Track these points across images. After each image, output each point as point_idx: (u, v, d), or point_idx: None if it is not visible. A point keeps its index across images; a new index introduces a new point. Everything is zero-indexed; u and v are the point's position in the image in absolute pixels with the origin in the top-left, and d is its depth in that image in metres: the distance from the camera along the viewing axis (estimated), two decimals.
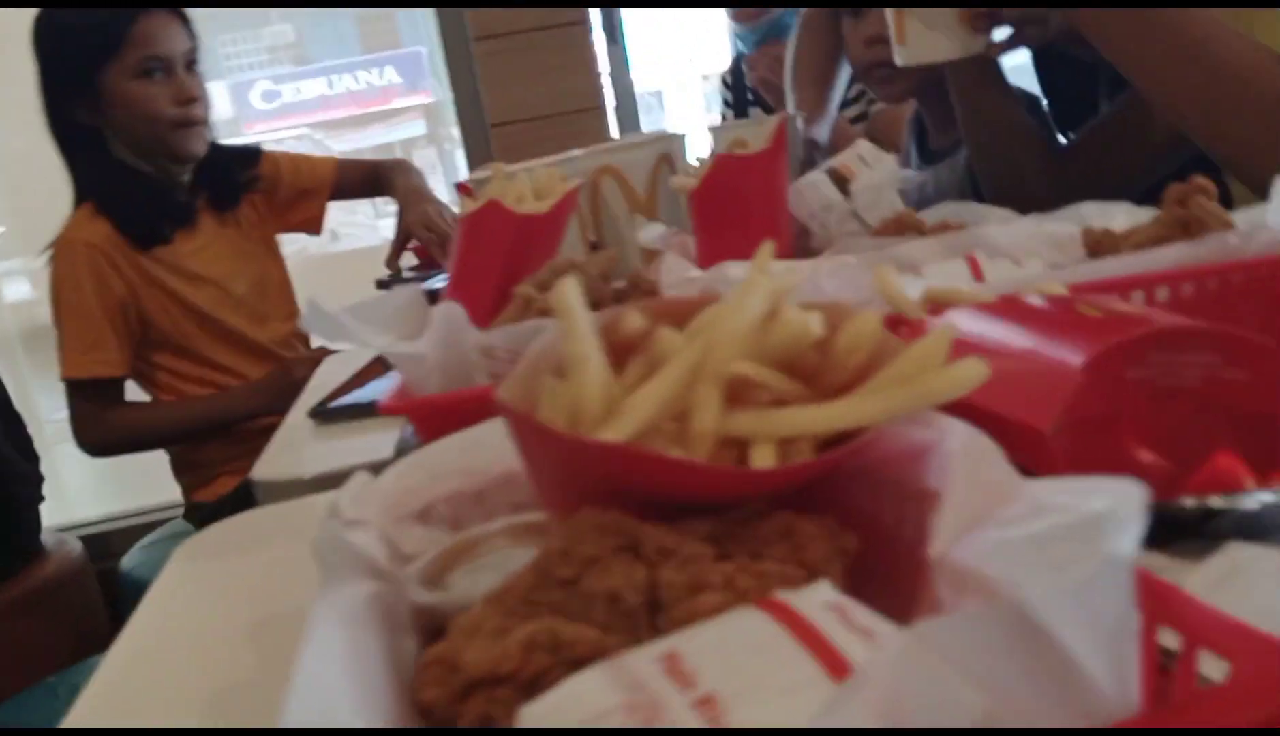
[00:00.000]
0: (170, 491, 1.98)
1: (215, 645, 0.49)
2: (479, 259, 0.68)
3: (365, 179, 1.89)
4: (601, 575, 0.33)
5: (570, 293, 0.34)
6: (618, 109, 2.30)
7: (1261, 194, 0.65)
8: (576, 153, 0.97)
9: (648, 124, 2.60)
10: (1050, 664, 0.23)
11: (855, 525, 0.36)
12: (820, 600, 0.28)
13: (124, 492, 2.77)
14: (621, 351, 0.39)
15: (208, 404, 1.64)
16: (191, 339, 1.66)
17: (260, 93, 6.76)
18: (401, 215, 1.70)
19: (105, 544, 2.28)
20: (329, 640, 0.30)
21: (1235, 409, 0.38)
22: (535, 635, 0.32)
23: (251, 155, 1.79)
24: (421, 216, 1.62)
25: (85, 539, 2.12)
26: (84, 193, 1.60)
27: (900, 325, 0.51)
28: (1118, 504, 0.22)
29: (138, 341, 1.63)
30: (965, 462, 0.34)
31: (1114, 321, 0.39)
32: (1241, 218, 0.58)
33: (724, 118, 1.99)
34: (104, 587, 2.00)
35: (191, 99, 1.59)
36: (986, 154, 1.07)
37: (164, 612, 0.55)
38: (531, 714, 0.26)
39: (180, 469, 1.74)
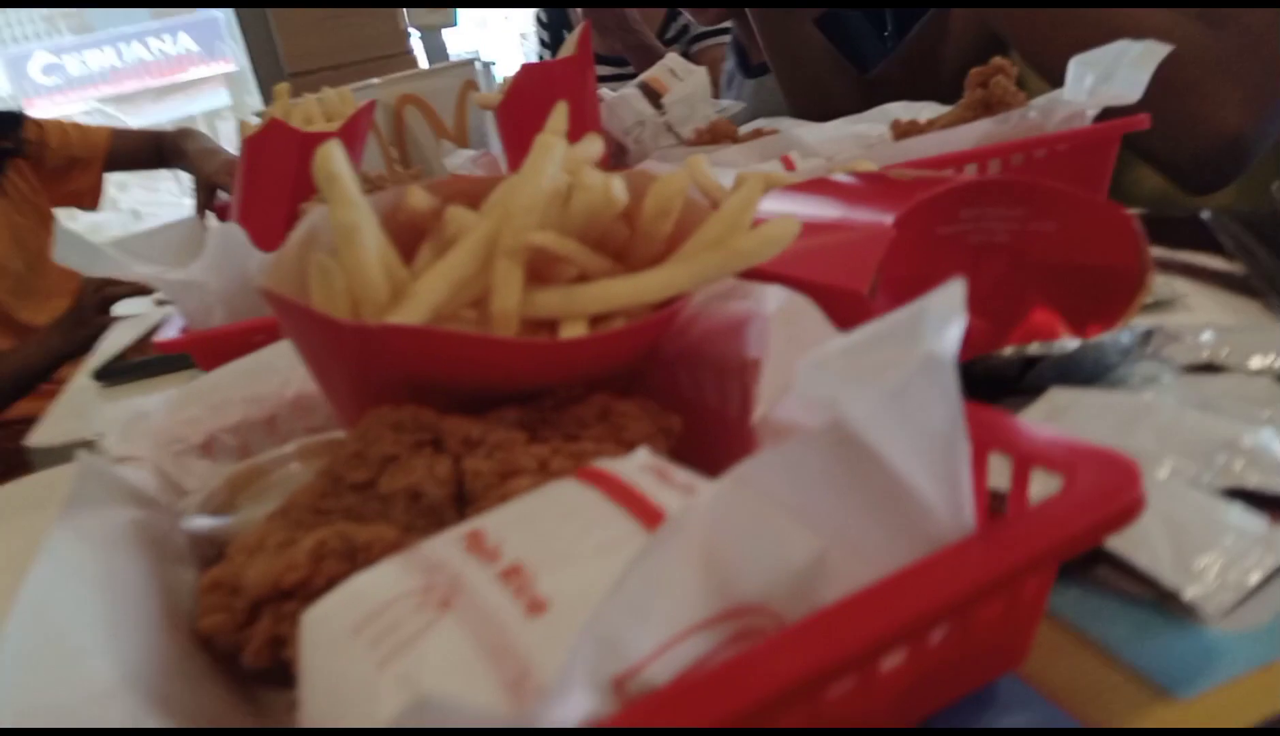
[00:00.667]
0: None
1: None
2: (265, 182, 0.62)
3: (146, 147, 1.73)
4: (400, 473, 0.30)
5: (333, 154, 0.30)
6: (430, 58, 2.22)
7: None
8: (374, 81, 0.91)
9: None
10: (878, 486, 0.21)
11: (680, 408, 0.34)
12: (637, 463, 0.26)
13: None
14: (410, 237, 0.35)
15: (4, 360, 1.46)
16: None
17: (40, 66, 6.21)
18: (199, 171, 1.57)
19: None
20: (67, 560, 0.26)
21: (1047, 262, 0.38)
22: (325, 541, 0.28)
23: (11, 120, 1.62)
24: (225, 164, 1.49)
25: None
26: None
27: None
28: (934, 302, 0.20)
29: None
30: (783, 324, 0.32)
31: (922, 183, 0.38)
32: (1041, 100, 0.59)
33: (541, 57, 1.94)
34: None
35: None
36: (793, 82, 1.07)
37: None
38: (313, 616, 0.23)
39: None
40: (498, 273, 0.32)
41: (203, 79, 6.53)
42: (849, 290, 0.36)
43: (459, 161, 0.77)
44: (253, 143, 0.63)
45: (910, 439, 0.20)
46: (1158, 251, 0.50)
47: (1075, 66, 0.56)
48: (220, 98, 6.29)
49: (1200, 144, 0.63)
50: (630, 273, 0.35)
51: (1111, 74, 0.54)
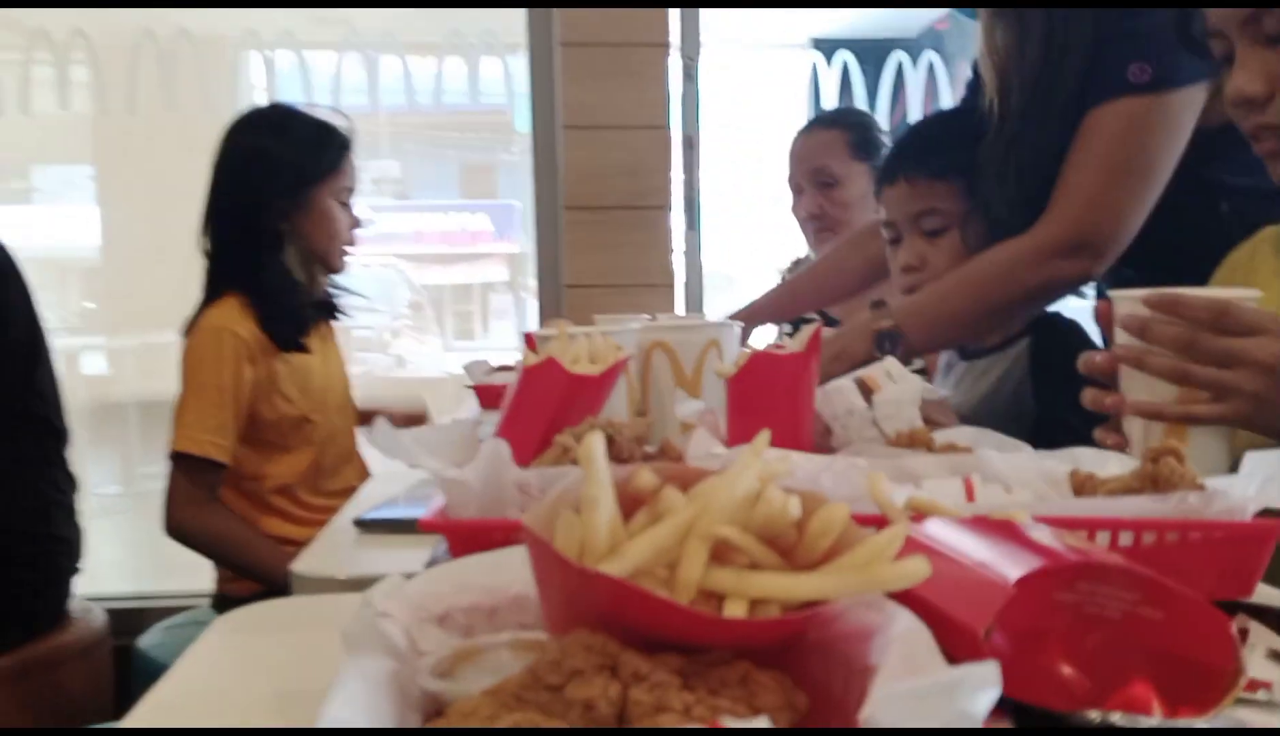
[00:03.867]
0: (195, 581, 2.05)
1: (238, 711, 0.55)
2: (531, 406, 0.76)
3: None
4: (582, 685, 0.40)
5: (595, 445, 0.41)
6: (687, 287, 2.44)
7: None
8: (635, 325, 1.06)
9: (714, 304, 2.73)
10: None
11: (809, 688, 0.42)
12: (757, 728, 0.34)
13: (150, 574, 2.83)
14: (633, 503, 0.46)
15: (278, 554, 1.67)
16: (287, 437, 1.76)
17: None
18: None
19: (127, 620, 2.32)
20: (353, 692, 0.37)
21: (1151, 644, 0.44)
22: (519, 724, 0.38)
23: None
24: None
25: (110, 612, 2.18)
26: (239, 287, 1.73)
27: (884, 526, 0.58)
28: (975, 674, 0.28)
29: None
30: (903, 645, 0.40)
31: (1054, 550, 0.46)
32: (1213, 481, 0.64)
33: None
34: (117, 663, 2.04)
35: (359, 225, 1.87)
36: None
37: (195, 675, 0.61)
38: None
39: None
40: (688, 550, 0.43)
41: (488, 254, 7.23)
42: (966, 627, 0.43)
43: (688, 411, 0.89)
44: (530, 372, 0.78)
45: None
46: None
47: (1249, 461, 0.62)
48: (499, 273, 6.96)
49: None
50: (792, 569, 0.44)
51: (1278, 476, 0.59)
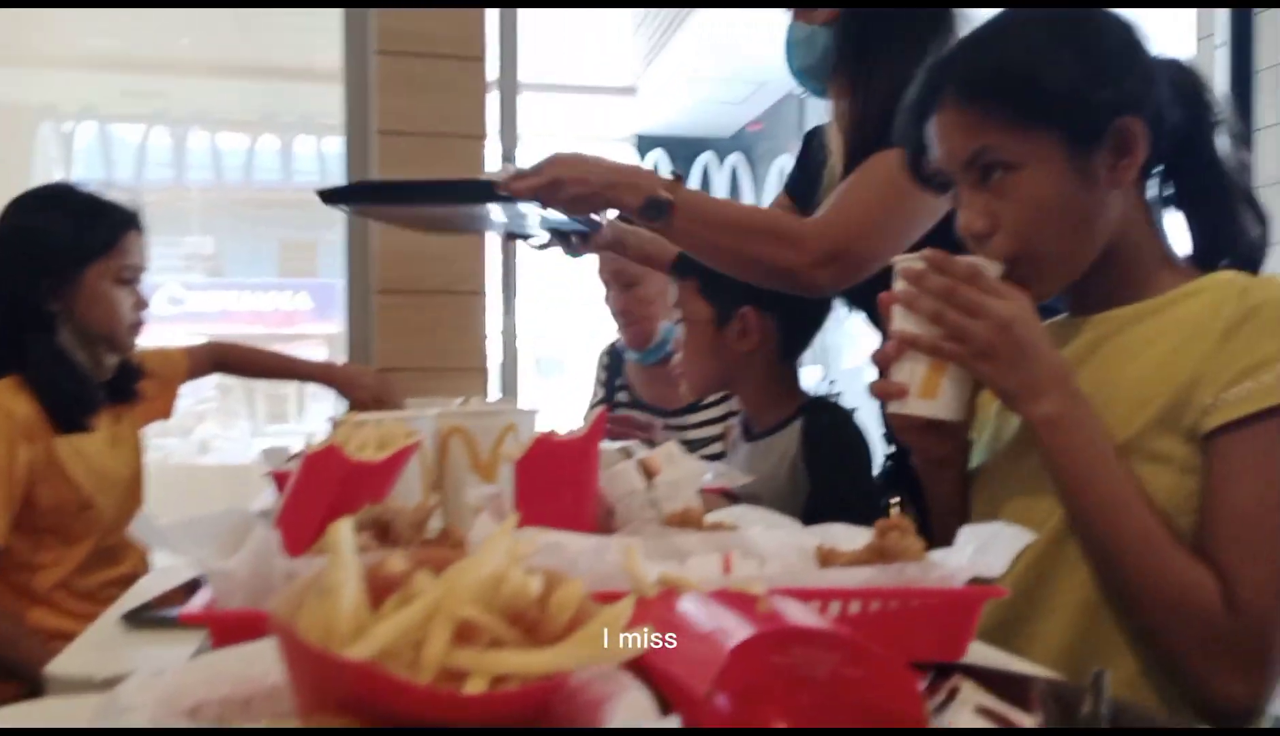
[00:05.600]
0: None
1: None
2: (308, 495, 0.77)
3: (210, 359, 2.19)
4: None
5: (341, 531, 0.44)
6: (502, 371, 2.47)
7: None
8: (433, 411, 1.08)
9: (544, 388, 2.78)
10: None
11: None
12: None
13: None
14: (386, 588, 0.48)
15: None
16: (66, 524, 1.66)
17: (166, 296, 6.80)
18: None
19: None
20: None
21: (853, 700, 0.49)
22: None
23: (137, 374, 1.88)
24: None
25: None
26: (16, 368, 1.66)
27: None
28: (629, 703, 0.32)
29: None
30: (626, 712, 0.44)
31: (772, 617, 0.51)
32: (936, 554, 0.71)
33: (595, 393, 2.18)
34: None
35: (145, 306, 1.81)
36: None
37: None
38: None
39: None
40: (431, 631, 0.45)
41: (306, 336, 7.02)
42: (690, 688, 0.47)
43: (477, 495, 0.92)
44: (309, 460, 0.78)
45: None
46: (991, 701, 0.61)
47: (963, 533, 0.69)
48: (319, 354, 6.79)
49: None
50: (535, 644, 0.47)
51: (987, 547, 0.67)
